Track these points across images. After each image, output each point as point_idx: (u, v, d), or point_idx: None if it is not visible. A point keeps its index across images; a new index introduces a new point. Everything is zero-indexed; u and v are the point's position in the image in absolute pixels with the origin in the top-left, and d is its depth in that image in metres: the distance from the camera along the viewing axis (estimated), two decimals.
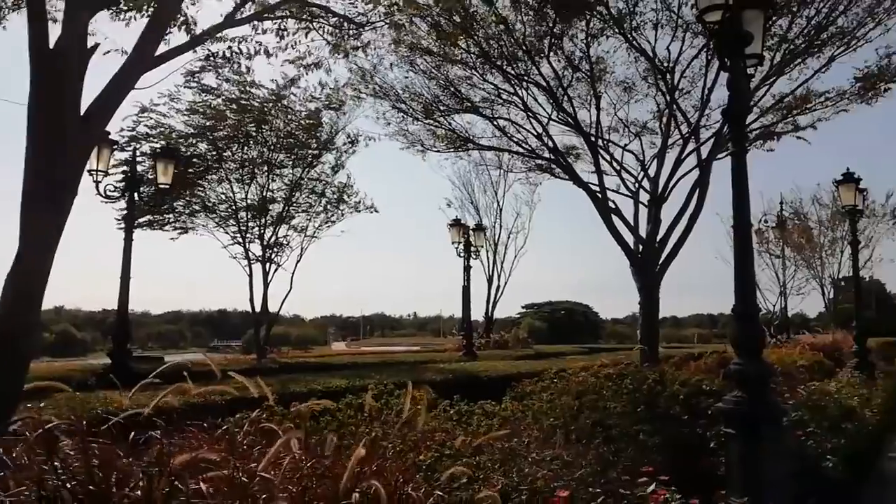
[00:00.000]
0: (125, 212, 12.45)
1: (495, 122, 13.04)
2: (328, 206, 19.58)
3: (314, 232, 19.00)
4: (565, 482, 4.44)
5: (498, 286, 31.45)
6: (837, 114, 12.50)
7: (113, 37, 5.92)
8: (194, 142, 16.30)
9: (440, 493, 3.29)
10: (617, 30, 11.14)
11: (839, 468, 6.14)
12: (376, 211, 20.06)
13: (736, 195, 5.62)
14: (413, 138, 13.33)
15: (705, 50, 11.14)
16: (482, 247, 20.50)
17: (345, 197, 19.70)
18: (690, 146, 11.90)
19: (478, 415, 5.71)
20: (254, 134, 16.63)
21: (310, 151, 18.03)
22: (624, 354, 14.05)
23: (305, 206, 18.98)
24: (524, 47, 11.43)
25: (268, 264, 17.90)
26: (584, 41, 11.39)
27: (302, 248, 18.95)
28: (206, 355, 27.64)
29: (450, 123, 12.97)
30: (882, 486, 7.28)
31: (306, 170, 18.48)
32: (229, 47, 7.10)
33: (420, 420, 5.58)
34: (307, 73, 8.58)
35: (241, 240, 17.76)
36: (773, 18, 10.91)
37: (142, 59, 4.95)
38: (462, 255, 17.53)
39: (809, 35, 11.10)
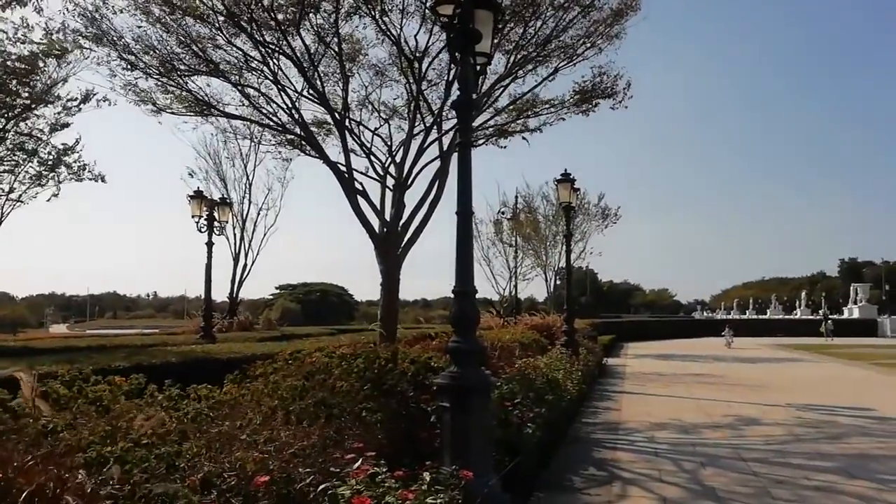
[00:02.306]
0: None
1: (243, 90, 12.27)
2: (43, 169, 17.00)
3: (20, 195, 16.33)
4: (278, 464, 4.31)
5: (245, 265, 30.21)
6: (561, 119, 14.06)
7: None
8: None
9: (112, 491, 2.90)
10: (367, 11, 11.18)
11: (538, 433, 6.88)
12: (103, 181, 17.91)
13: (461, 183, 5.95)
14: (145, 96, 11.95)
15: None
16: (227, 222, 19.35)
17: (66, 160, 17.26)
18: (434, 135, 12.46)
19: (191, 399, 5.29)
20: None
21: (19, 101, 15.36)
22: (366, 335, 14.36)
23: (10, 165, 16.20)
24: (275, 15, 10.91)
25: None
26: (335, 17, 11.23)
27: (2, 213, 16.18)
28: None
29: (186, 84, 11.83)
30: (574, 444, 8.37)
31: (14, 122, 15.75)
32: None
33: (120, 407, 5.03)
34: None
35: None
36: (511, 26, 11.90)
37: None
38: (204, 230, 16.32)
39: (539, 44, 12.28)
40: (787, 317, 64.60)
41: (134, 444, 3.97)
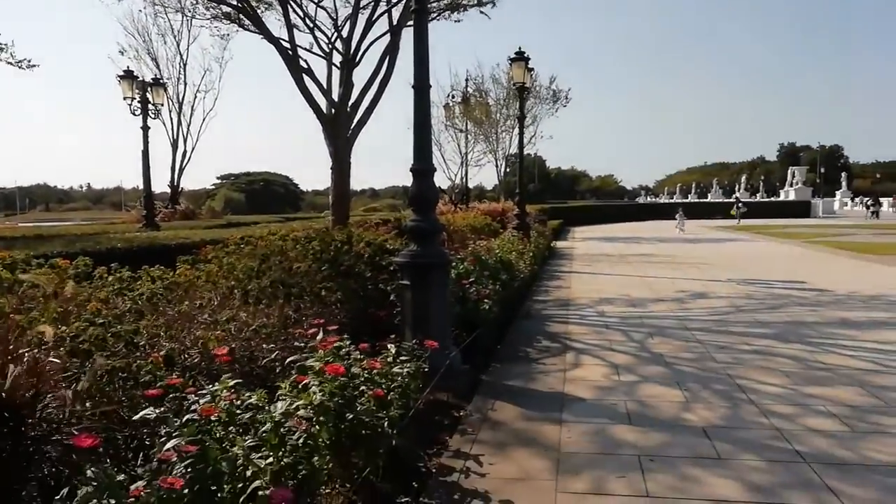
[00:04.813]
0: None
1: None
2: None
3: None
4: (241, 341, 4.29)
5: (185, 151, 29.01)
6: None
7: None
8: None
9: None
10: None
11: (494, 309, 7.04)
12: (29, 67, 16.44)
13: (417, 54, 5.67)
14: None
15: None
16: (162, 105, 18.25)
17: None
18: (382, 7, 11.74)
19: (144, 281, 5.12)
20: None
21: None
22: (316, 222, 14.17)
23: None
24: None
25: None
26: None
27: None
28: None
29: None
30: (527, 319, 8.64)
31: None
32: None
33: (69, 290, 4.84)
34: None
35: None
36: None
37: None
38: (138, 113, 15.34)
39: None
40: (727, 200, 66.86)
41: (89, 323, 3.83)
